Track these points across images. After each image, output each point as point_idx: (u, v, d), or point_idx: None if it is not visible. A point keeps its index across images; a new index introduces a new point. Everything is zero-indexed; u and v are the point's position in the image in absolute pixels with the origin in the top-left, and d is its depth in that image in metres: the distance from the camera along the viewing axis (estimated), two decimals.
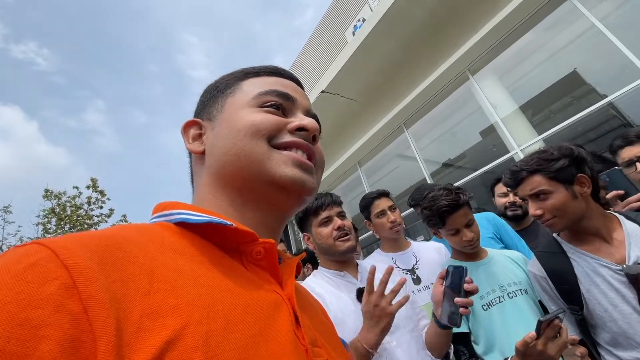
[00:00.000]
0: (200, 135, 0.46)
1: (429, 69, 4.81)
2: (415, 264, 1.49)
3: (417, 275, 1.46)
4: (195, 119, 0.47)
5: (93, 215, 8.70)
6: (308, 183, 0.42)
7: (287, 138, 0.43)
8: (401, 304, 0.87)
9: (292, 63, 7.14)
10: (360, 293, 1.05)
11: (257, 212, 0.42)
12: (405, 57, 4.80)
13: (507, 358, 0.91)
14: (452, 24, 4.42)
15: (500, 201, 2.06)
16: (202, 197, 0.43)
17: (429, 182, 4.91)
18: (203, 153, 0.45)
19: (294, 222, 1.31)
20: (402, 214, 1.76)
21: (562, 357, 0.85)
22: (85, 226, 8.40)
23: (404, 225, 1.60)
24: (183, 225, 0.36)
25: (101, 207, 8.81)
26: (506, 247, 1.68)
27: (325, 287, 1.11)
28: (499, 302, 1.14)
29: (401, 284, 0.90)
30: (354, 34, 5.17)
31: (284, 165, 0.40)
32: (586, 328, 1.00)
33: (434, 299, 0.98)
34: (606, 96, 3.48)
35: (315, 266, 1.58)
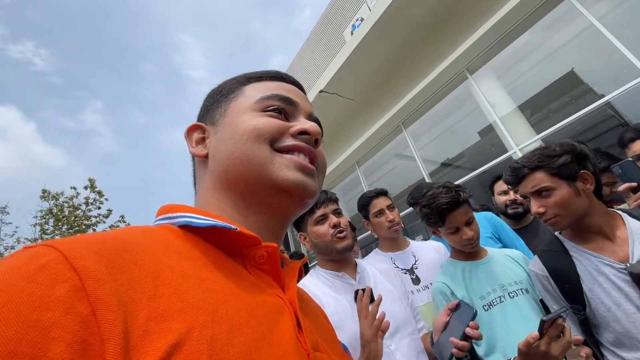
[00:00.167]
0: (203, 139, 0.47)
1: (427, 68, 4.80)
2: (414, 264, 1.47)
3: (416, 275, 1.44)
4: (199, 123, 0.48)
5: (91, 216, 8.67)
6: (310, 186, 0.42)
7: (290, 142, 0.43)
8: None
9: (290, 63, 7.14)
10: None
11: (259, 216, 0.42)
12: (404, 56, 4.81)
13: (510, 359, 0.89)
14: (451, 24, 4.42)
15: (500, 199, 2.02)
16: (205, 201, 0.44)
17: (427, 181, 4.90)
18: (206, 157, 0.45)
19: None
20: (401, 214, 1.74)
21: (566, 358, 0.83)
22: (83, 227, 8.36)
23: (403, 225, 1.59)
24: (187, 228, 0.36)
25: (99, 208, 8.79)
26: (505, 246, 1.66)
27: (322, 288, 1.08)
28: (500, 302, 1.12)
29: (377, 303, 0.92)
30: (352, 33, 5.17)
31: (286, 168, 0.41)
32: (589, 328, 0.98)
33: (434, 326, 0.97)
34: (604, 95, 3.48)
35: (305, 272, 1.55)
